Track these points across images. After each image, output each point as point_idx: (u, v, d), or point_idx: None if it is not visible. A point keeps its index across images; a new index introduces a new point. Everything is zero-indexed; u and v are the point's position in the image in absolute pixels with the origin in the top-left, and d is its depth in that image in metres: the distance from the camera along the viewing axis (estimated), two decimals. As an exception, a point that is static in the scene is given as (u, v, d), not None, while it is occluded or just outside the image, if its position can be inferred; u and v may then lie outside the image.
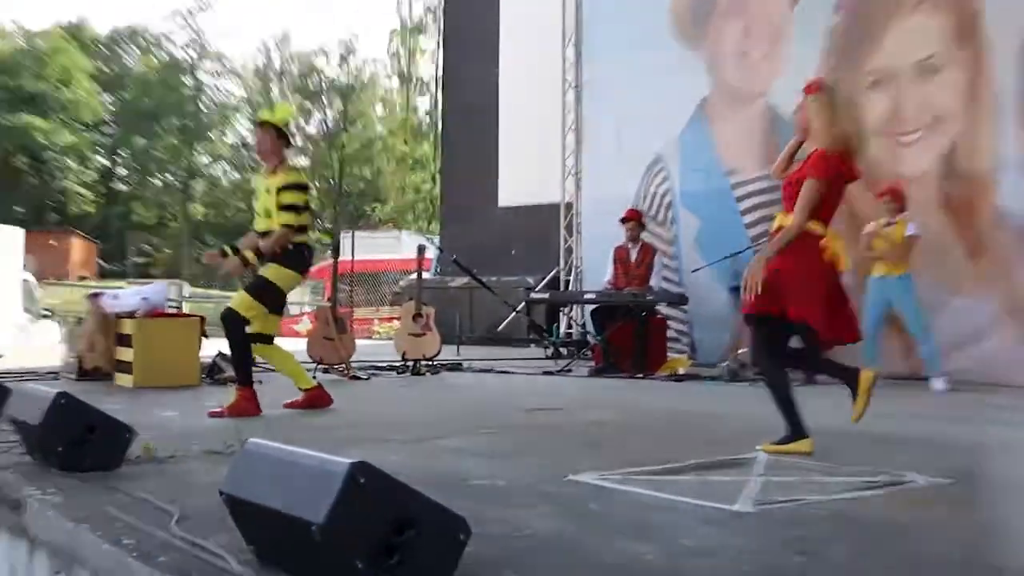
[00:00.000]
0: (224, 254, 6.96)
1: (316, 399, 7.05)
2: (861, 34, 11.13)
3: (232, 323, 6.68)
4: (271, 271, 6.71)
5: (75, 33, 55.96)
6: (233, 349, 6.80)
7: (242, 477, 2.81)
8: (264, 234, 6.79)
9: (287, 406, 6.99)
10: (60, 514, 3.49)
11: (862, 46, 11.08)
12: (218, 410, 6.57)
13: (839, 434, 5.94)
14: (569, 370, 11.10)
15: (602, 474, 4.35)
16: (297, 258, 6.79)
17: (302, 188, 6.86)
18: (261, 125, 7.01)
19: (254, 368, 9.37)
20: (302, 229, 6.80)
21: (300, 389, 7.08)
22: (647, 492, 3.99)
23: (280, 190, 6.73)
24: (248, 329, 6.72)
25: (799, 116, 5.30)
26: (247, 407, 6.61)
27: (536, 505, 3.74)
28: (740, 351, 10.06)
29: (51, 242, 35.66)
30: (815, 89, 5.22)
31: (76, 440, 4.24)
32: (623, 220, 11.27)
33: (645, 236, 11.68)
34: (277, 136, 6.93)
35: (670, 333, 12.02)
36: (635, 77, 13.37)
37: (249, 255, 6.77)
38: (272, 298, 6.79)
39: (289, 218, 6.70)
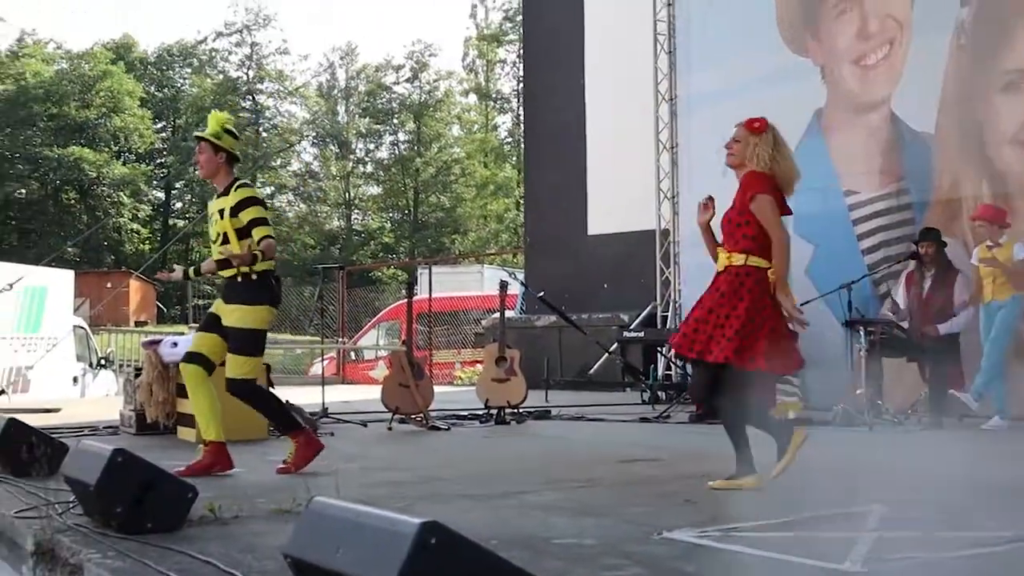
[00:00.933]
0: (176, 272, 7.10)
1: (215, 458, 6.71)
2: (993, 30, 11.00)
3: (241, 392, 6.74)
4: (241, 316, 6.65)
5: (121, 53, 57.24)
6: (261, 406, 6.89)
7: (307, 538, 2.96)
8: (225, 262, 6.70)
9: (182, 474, 6.04)
10: (122, 580, 3.68)
11: (995, 44, 10.97)
12: (284, 466, 6.69)
13: (961, 484, 5.95)
14: (667, 416, 11.13)
15: (700, 531, 4.43)
16: (262, 290, 6.72)
17: (260, 202, 6.83)
18: (196, 142, 6.94)
19: (324, 420, 9.63)
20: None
21: (202, 443, 6.89)
22: (748, 551, 4.06)
23: (234, 210, 6.69)
24: (189, 348, 6.81)
25: (733, 149, 6.02)
26: (308, 452, 6.69)
27: (626, 567, 3.84)
28: (857, 392, 10.03)
29: (107, 285, 36.45)
30: (760, 129, 5.99)
31: (135, 500, 4.43)
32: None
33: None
34: (214, 152, 6.84)
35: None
36: (739, 88, 13.31)
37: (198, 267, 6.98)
38: (259, 345, 6.79)
39: (266, 230, 6.69)
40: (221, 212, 6.74)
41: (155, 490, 4.48)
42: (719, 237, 6.02)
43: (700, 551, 4.11)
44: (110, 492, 4.42)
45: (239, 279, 6.66)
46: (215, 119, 6.91)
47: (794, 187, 6.03)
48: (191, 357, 6.77)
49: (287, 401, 9.33)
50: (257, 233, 6.66)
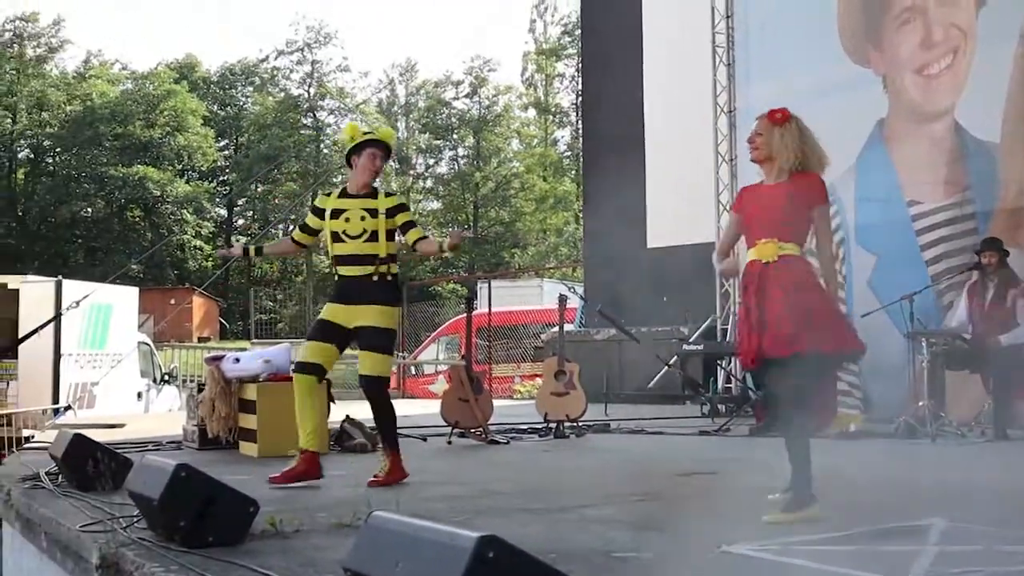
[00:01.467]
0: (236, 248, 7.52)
1: (306, 467, 6.87)
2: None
3: (376, 390, 6.89)
4: (379, 316, 6.86)
5: (184, 73, 57.95)
6: (382, 414, 6.97)
7: (366, 552, 2.99)
8: (361, 258, 6.94)
9: (273, 481, 6.73)
10: (185, 593, 3.72)
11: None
12: (376, 479, 6.80)
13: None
14: (728, 429, 11.08)
15: (759, 544, 4.41)
16: (397, 291, 7.09)
17: (408, 207, 7.26)
18: (375, 144, 7.20)
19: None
20: (396, 258, 7.08)
21: (297, 449, 6.97)
22: (808, 564, 4.04)
23: (391, 211, 7.03)
24: (305, 358, 6.97)
25: (757, 143, 5.73)
26: (399, 471, 6.87)
27: (686, 581, 3.83)
28: (919, 404, 9.94)
29: (171, 301, 36.91)
30: (783, 120, 5.70)
31: (198, 514, 4.48)
32: None
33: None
34: (387, 159, 7.31)
35: (841, 386, 11.91)
36: (798, 99, 13.15)
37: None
38: (392, 344, 7.05)
39: (419, 231, 7.11)
40: (372, 212, 7.02)
41: (217, 504, 4.53)
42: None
43: (760, 564, 4.09)
44: (173, 506, 4.47)
45: (375, 279, 6.92)
46: (386, 132, 7.46)
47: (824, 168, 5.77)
48: (306, 367, 6.96)
49: (348, 416, 9.45)
50: (414, 234, 7.08)
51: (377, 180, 7.23)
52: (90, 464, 6.23)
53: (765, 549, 4.33)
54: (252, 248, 7.83)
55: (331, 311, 6.99)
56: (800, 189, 5.59)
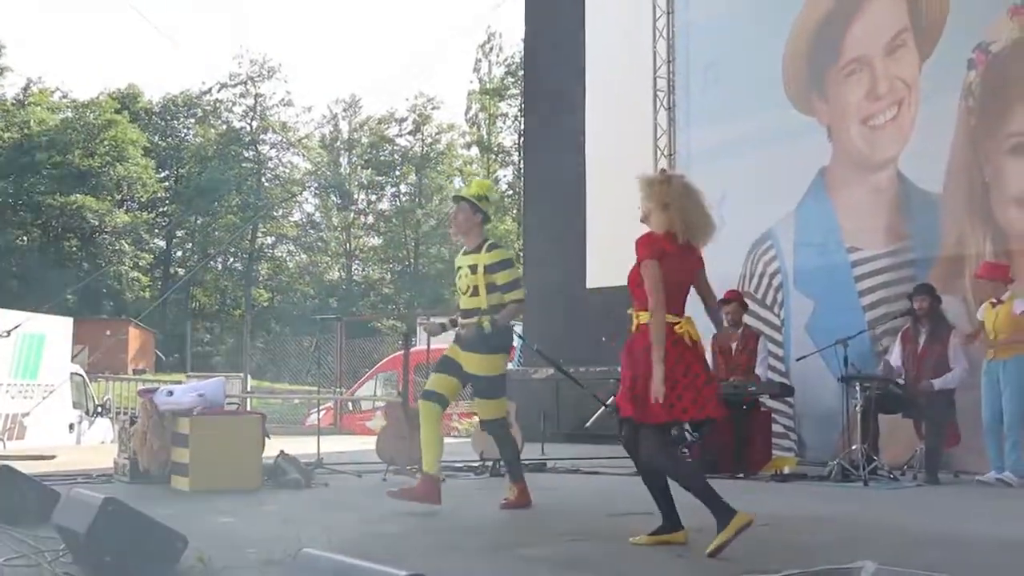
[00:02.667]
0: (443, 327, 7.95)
1: (424, 490, 7.36)
2: (1000, 93, 11.08)
3: (496, 430, 7.70)
4: (481, 364, 7.41)
5: (126, 103, 57.51)
6: (505, 446, 7.76)
7: (296, 590, 2.95)
8: (468, 312, 7.46)
9: (391, 495, 7.37)
10: (108, 629, 3.65)
11: (1002, 106, 11.05)
12: (506, 502, 7.57)
13: (957, 541, 5.95)
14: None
15: (690, 586, 4.41)
16: (498, 339, 7.46)
17: (513, 264, 7.58)
18: (455, 201, 7.76)
19: (319, 471, 9.62)
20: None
21: (417, 471, 7.72)
22: (738, 607, 4.04)
23: (490, 268, 7.39)
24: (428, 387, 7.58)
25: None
26: (523, 500, 7.57)
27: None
28: (852, 447, 10.01)
29: (106, 332, 36.47)
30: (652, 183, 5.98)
31: (125, 550, 4.42)
32: (722, 302, 11.33)
33: (749, 320, 11.72)
34: (472, 211, 7.55)
35: (776, 428, 11.97)
36: (740, 146, 13.40)
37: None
38: (503, 386, 7.67)
39: (518, 294, 7.45)
40: (473, 267, 7.45)
41: (145, 539, 4.47)
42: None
43: (691, 607, 4.09)
44: (99, 541, 4.41)
45: (477, 328, 7.38)
46: (479, 184, 7.78)
47: (696, 233, 5.89)
48: (431, 396, 7.49)
49: (282, 451, 9.36)
50: (511, 296, 7.42)
51: (479, 234, 7.59)
52: (15, 496, 6.12)
53: (696, 591, 4.33)
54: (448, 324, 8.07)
55: (452, 348, 7.61)
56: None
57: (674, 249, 5.78)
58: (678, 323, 5.67)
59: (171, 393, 9.08)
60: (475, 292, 7.42)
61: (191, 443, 8.57)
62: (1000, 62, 11.14)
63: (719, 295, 11.34)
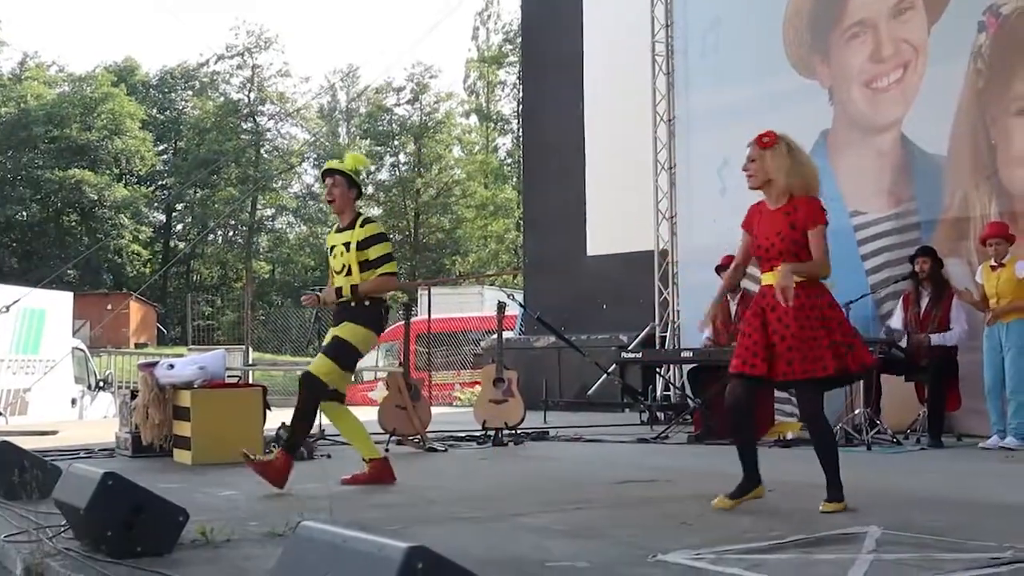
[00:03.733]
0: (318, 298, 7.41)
1: (379, 473, 7.23)
2: (1010, 56, 11.00)
3: (311, 388, 6.95)
4: (347, 331, 7.04)
5: (123, 76, 57.34)
6: (299, 415, 7.01)
7: (293, 563, 2.93)
8: (338, 290, 7.15)
9: (345, 482, 7.16)
10: (110, 605, 3.64)
11: (1010, 69, 10.96)
12: (254, 462, 6.85)
13: (961, 505, 5.93)
14: (666, 437, 11.09)
15: (695, 553, 4.39)
16: (373, 317, 7.14)
17: (386, 239, 7.26)
18: (329, 174, 7.31)
19: (321, 442, 9.61)
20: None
21: (363, 460, 7.30)
22: (743, 572, 4.03)
23: (361, 244, 7.10)
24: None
25: (751, 170, 5.93)
26: (279, 476, 6.80)
27: (620, 589, 3.80)
28: (855, 412, 10.00)
29: (107, 306, 36.45)
30: (771, 143, 5.89)
31: (126, 524, 4.39)
32: (719, 268, 11.30)
33: (747, 285, 11.68)
34: (348, 186, 7.26)
35: (778, 393, 11.95)
36: (740, 109, 13.29)
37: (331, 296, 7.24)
38: (349, 359, 7.11)
39: (389, 267, 7.14)
40: (347, 245, 7.14)
41: (146, 513, 4.44)
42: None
43: (693, 573, 4.07)
44: (100, 516, 4.38)
45: (352, 304, 7.10)
46: (354, 158, 7.47)
47: (819, 188, 5.94)
48: (332, 394, 7.16)
49: (284, 423, 9.34)
50: (382, 270, 7.11)
51: (353, 210, 7.31)
52: (16, 472, 6.10)
53: (700, 558, 4.31)
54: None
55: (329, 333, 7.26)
56: (800, 214, 5.77)
57: None
58: None
59: (172, 366, 9.07)
60: (348, 272, 7.12)
61: (192, 416, 8.57)
62: (1011, 24, 11.03)
63: (719, 261, 11.40)
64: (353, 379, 23.55)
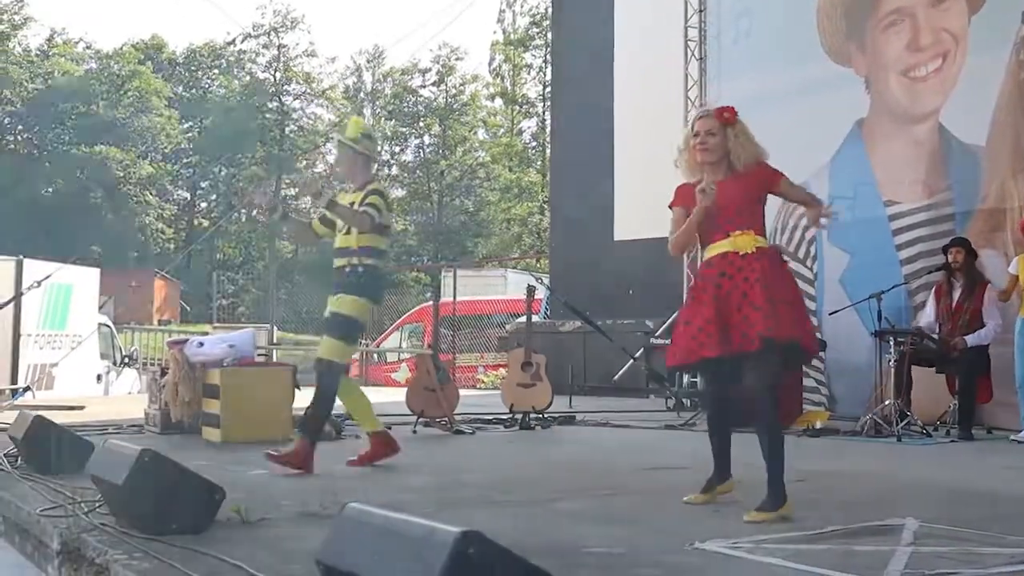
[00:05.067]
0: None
1: (382, 447, 7.26)
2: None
3: (330, 373, 6.95)
4: (346, 305, 7.00)
5: (150, 54, 57.46)
6: (321, 400, 7.02)
7: (340, 545, 2.91)
8: (341, 251, 7.11)
9: (352, 463, 7.18)
10: (149, 582, 3.64)
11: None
12: (275, 454, 6.83)
13: (995, 498, 5.89)
14: (693, 424, 11.03)
15: (732, 542, 4.37)
16: (370, 284, 7.08)
17: (382, 195, 7.17)
18: (340, 147, 7.40)
19: (348, 422, 9.62)
20: (378, 253, 7.12)
21: (366, 433, 7.34)
22: (783, 563, 4.00)
23: (358, 203, 7.07)
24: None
25: (709, 144, 5.57)
26: (304, 461, 6.76)
27: (658, 577, 3.78)
28: (885, 402, 9.95)
29: (131, 283, 36.59)
30: (732, 119, 5.62)
31: (162, 501, 4.39)
32: None
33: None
34: (354, 154, 7.28)
35: (807, 382, 11.91)
36: (773, 97, 13.16)
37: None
38: (354, 333, 7.13)
39: (371, 211, 6.99)
40: (352, 205, 7.09)
41: (182, 491, 4.44)
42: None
43: (734, 563, 4.05)
44: (137, 492, 4.38)
45: (347, 270, 7.05)
46: (354, 124, 7.48)
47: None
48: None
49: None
50: (364, 208, 7.00)
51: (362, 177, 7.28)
52: (51, 447, 6.12)
53: (738, 547, 4.29)
54: (282, 209, 7.55)
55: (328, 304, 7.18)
56: (755, 181, 5.60)
57: None
58: None
59: (202, 344, 9.08)
60: (348, 231, 7.07)
61: (222, 394, 8.58)
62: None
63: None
64: (376, 359, 23.59)
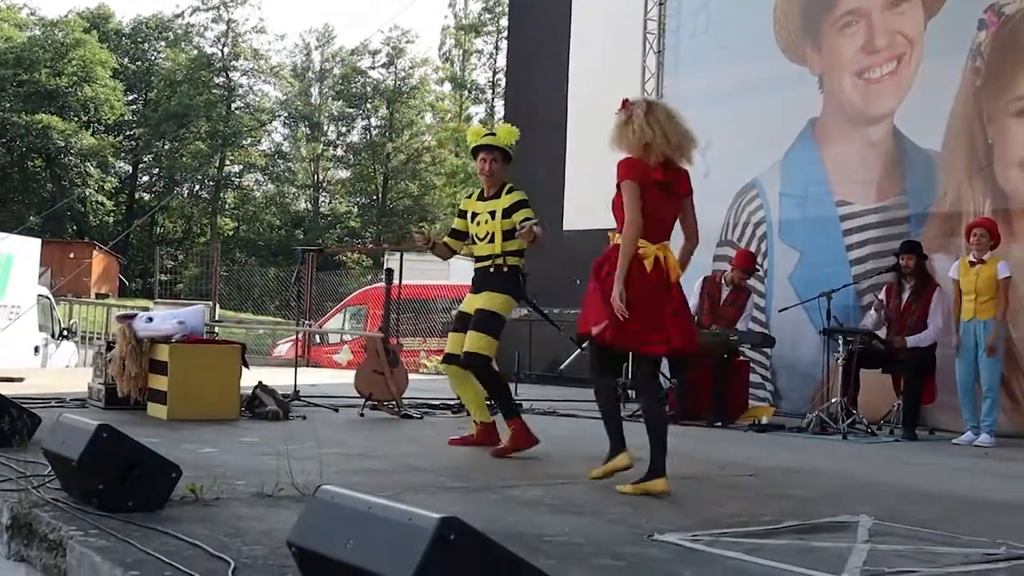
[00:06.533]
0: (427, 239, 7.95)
1: (487, 436, 7.55)
2: (1010, 53, 10.87)
3: (480, 367, 7.28)
4: (489, 300, 7.32)
5: (96, 23, 56.70)
6: (491, 389, 7.44)
7: (313, 527, 2.88)
8: (483, 258, 7.42)
9: (454, 442, 7.62)
10: (106, 559, 3.58)
11: (1011, 69, 10.84)
12: (499, 448, 7.25)
13: (944, 499, 5.96)
14: (640, 415, 11.06)
15: (691, 535, 4.38)
16: (510, 281, 7.42)
17: (528, 205, 7.49)
18: (487, 150, 7.51)
19: (296, 403, 9.56)
20: (520, 252, 7.47)
21: (475, 422, 7.64)
22: (743, 557, 4.02)
23: (506, 211, 7.36)
24: (447, 350, 7.57)
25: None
26: (525, 439, 7.24)
27: (621, 568, 3.78)
28: (832, 400, 10.04)
29: (70, 255, 36.13)
30: (622, 109, 5.94)
31: (119, 478, 4.33)
32: (737, 266, 11.28)
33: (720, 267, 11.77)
34: (504, 160, 7.53)
35: (752, 378, 12.00)
36: (728, 92, 13.23)
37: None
38: (498, 327, 7.39)
39: (529, 215, 7.31)
40: (493, 213, 7.43)
41: (139, 468, 4.38)
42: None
43: (694, 555, 4.06)
44: (93, 468, 4.31)
45: (491, 270, 7.39)
46: (507, 132, 7.61)
47: (674, 152, 5.94)
48: (450, 358, 7.53)
49: (260, 382, 9.28)
50: (520, 215, 7.29)
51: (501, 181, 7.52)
52: (5, 420, 6.01)
53: (697, 539, 4.30)
54: (433, 240, 8.02)
55: (466, 301, 7.56)
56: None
57: (660, 177, 5.82)
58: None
59: (151, 320, 8.96)
60: (492, 239, 7.38)
61: (170, 371, 8.48)
62: (1013, 24, 10.88)
63: (711, 247, 11.40)
64: (319, 340, 23.42)
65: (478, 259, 7.50)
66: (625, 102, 5.97)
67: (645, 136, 5.78)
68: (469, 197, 7.84)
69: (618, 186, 5.85)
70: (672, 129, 5.86)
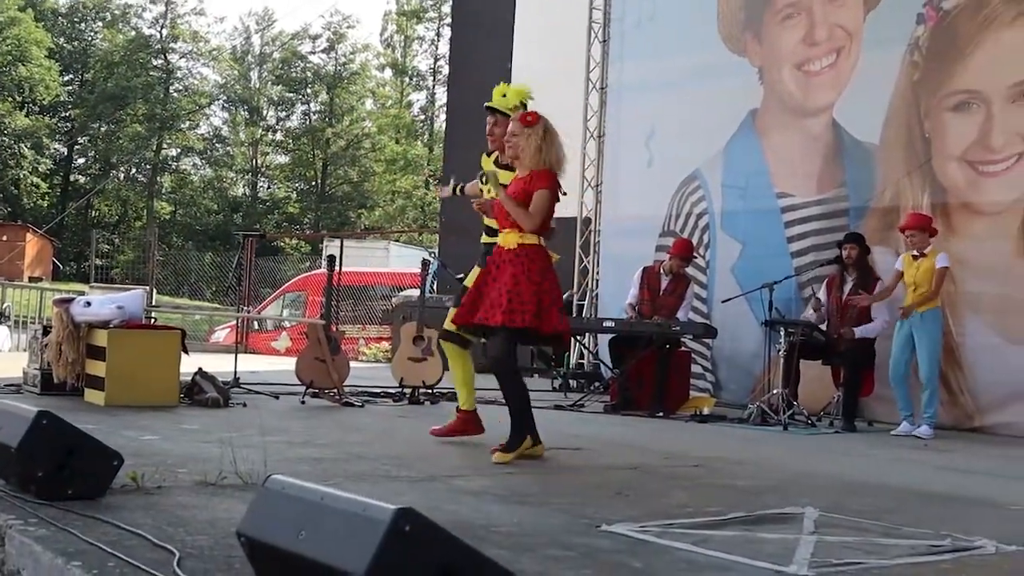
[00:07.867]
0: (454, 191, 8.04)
1: (467, 424, 7.44)
2: (949, 50, 10.93)
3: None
4: None
5: (32, 1, 55.88)
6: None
7: (263, 518, 2.83)
8: (494, 231, 6.97)
9: (435, 432, 7.42)
10: (47, 549, 3.50)
11: (949, 63, 10.91)
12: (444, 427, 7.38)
13: (886, 490, 6.00)
14: (582, 406, 11.09)
15: (639, 525, 4.37)
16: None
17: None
18: (491, 112, 7.41)
19: (235, 390, 9.46)
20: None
21: (457, 409, 7.48)
22: (692, 548, 4.01)
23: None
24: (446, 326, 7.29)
25: (511, 142, 6.60)
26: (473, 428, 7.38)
27: (573, 559, 3.76)
28: (773, 391, 10.10)
29: (3, 238, 35.61)
30: (532, 123, 6.49)
31: (59, 465, 4.25)
32: (675, 254, 11.28)
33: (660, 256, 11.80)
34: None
35: (694, 368, 12.03)
36: (672, 82, 13.25)
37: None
38: None
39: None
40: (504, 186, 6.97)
41: (80, 456, 4.30)
42: None
43: (643, 546, 4.04)
44: (32, 455, 4.22)
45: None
46: (517, 92, 7.41)
47: (563, 168, 6.60)
48: (448, 335, 7.29)
49: (200, 368, 9.18)
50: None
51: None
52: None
53: (645, 531, 4.29)
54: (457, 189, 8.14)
55: (471, 276, 7.15)
56: (533, 183, 6.43)
57: None
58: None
59: (89, 304, 8.82)
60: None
61: (108, 356, 8.36)
62: (951, 20, 10.94)
63: (654, 237, 11.42)
64: (256, 327, 23.20)
65: (487, 230, 7.26)
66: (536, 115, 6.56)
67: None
68: (489, 155, 7.54)
69: (537, 190, 6.44)
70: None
